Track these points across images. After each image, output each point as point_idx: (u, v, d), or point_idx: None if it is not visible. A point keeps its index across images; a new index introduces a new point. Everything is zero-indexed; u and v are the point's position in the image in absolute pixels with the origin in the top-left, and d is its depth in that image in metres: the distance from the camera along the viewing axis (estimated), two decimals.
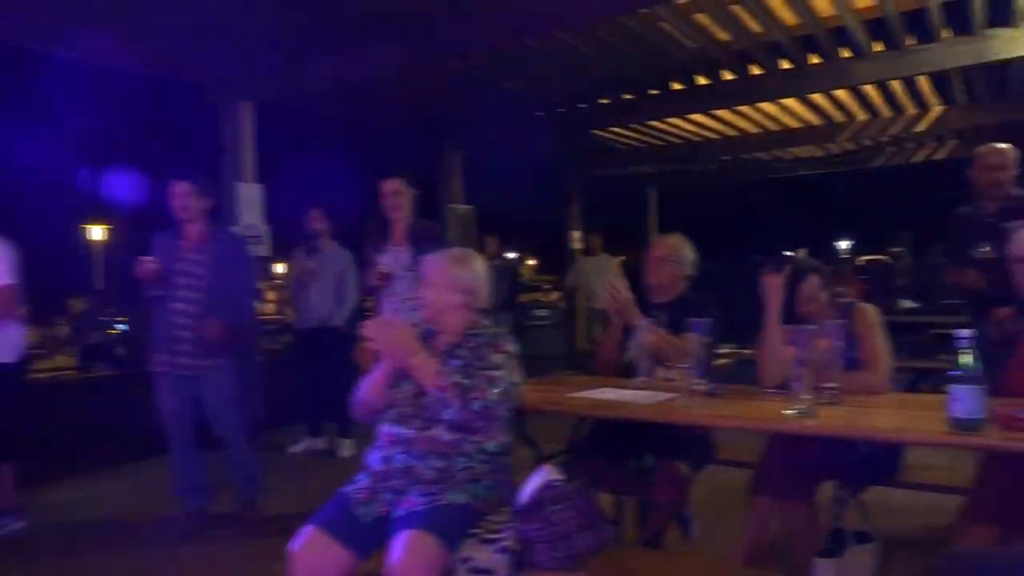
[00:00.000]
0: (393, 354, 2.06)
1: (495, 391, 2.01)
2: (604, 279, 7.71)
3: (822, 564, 2.26)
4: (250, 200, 5.48)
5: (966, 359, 1.70)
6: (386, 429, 2.13)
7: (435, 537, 1.86)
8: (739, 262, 10.11)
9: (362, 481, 2.12)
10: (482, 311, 2.25)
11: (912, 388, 4.91)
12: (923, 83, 6.46)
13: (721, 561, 2.06)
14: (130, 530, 3.77)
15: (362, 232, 3.95)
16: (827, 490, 2.54)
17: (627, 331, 2.79)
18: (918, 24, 5.00)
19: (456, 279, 2.18)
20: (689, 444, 2.72)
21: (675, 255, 2.91)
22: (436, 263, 2.22)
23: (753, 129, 8.17)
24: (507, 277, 6.92)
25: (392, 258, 3.74)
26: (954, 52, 5.15)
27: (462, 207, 7.84)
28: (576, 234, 9.61)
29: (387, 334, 2.04)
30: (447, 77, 5.78)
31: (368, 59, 4.96)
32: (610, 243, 8.97)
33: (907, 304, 6.80)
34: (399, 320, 2.07)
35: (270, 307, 8.04)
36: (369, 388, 2.18)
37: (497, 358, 2.10)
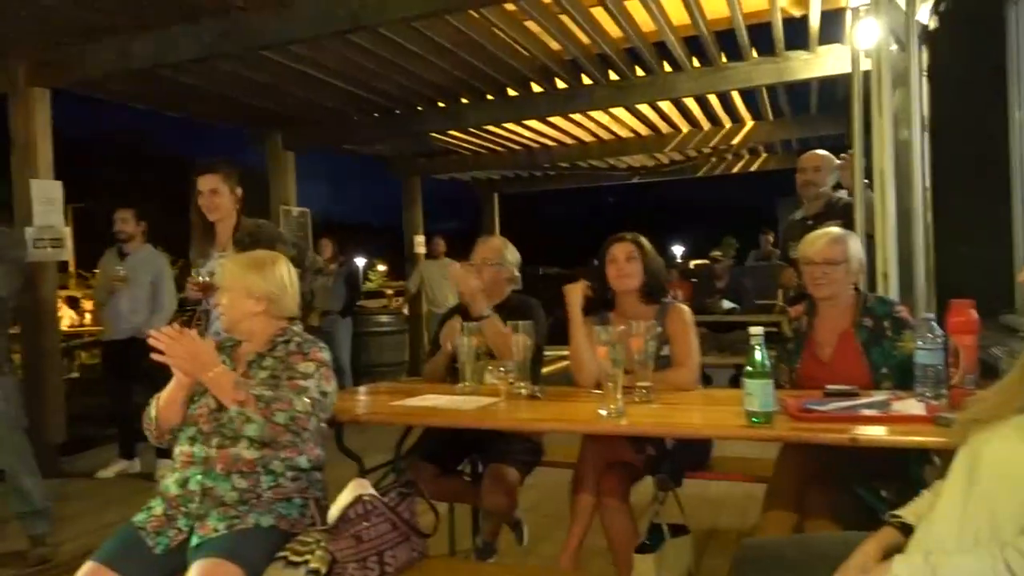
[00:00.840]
0: (186, 368, 1.87)
1: (303, 401, 1.88)
2: (446, 283, 7.67)
3: (640, 559, 2.31)
4: (47, 199, 4.91)
5: (756, 355, 1.79)
6: (183, 449, 1.95)
7: (235, 564, 1.71)
8: (574, 265, 10.47)
9: (155, 508, 1.92)
10: (291, 319, 2.11)
11: (733, 382, 5.29)
12: (736, 99, 7.00)
13: (540, 568, 2.04)
14: None
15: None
16: (646, 486, 2.62)
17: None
18: (730, 43, 5.39)
19: (252, 285, 2.03)
20: (517, 448, 2.72)
21: (498, 257, 2.88)
22: (231, 269, 2.07)
23: (588, 138, 8.50)
24: (347, 282, 6.68)
25: (217, 265, 3.42)
26: (759, 71, 5.61)
27: (296, 209, 7.51)
28: (419, 238, 9.52)
29: (179, 346, 1.85)
30: (269, 71, 5.49)
31: (174, 43, 4.57)
32: (453, 248, 8.97)
33: (727, 305, 7.31)
34: (190, 331, 1.87)
35: (79, 318, 7.29)
36: (164, 406, 1.98)
37: (306, 367, 1.98)
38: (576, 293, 2.60)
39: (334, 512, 1.76)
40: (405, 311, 9.01)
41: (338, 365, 6.52)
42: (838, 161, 3.81)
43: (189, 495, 1.88)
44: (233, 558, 1.71)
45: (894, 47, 3.53)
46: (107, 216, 4.79)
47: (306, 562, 1.76)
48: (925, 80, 3.64)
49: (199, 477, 1.88)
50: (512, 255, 2.93)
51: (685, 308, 2.64)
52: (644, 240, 2.69)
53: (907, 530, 1.45)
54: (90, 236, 7.70)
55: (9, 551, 3.30)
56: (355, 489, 1.78)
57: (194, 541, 1.81)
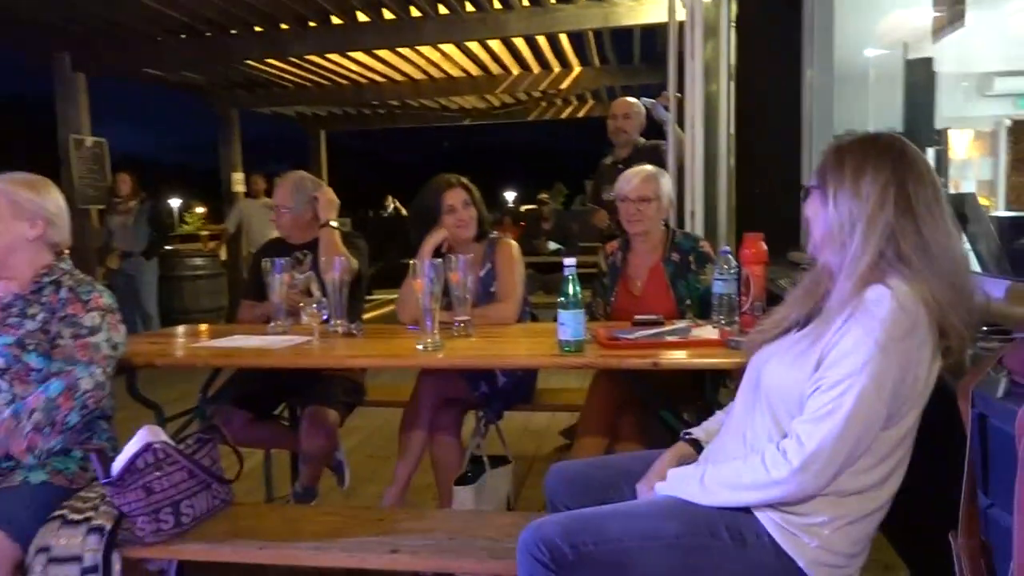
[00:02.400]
0: None
1: (94, 374, 1.69)
2: (269, 224, 7.23)
3: (460, 491, 2.33)
4: None
5: (569, 287, 1.82)
6: None
7: None
8: (407, 209, 10.27)
9: None
10: (59, 254, 1.86)
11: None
12: (565, 43, 7.08)
13: (353, 507, 1.99)
14: None
15: None
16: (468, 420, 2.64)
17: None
18: None
19: (27, 204, 1.76)
20: (337, 388, 2.63)
21: (290, 201, 2.69)
22: None
23: (418, 75, 8.27)
24: (151, 221, 6.07)
25: None
26: (587, 14, 5.69)
27: (91, 139, 6.70)
28: (237, 175, 8.88)
29: None
30: None
31: None
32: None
33: (553, 246, 7.54)
34: None
35: None
36: None
37: (91, 319, 1.74)
38: (433, 242, 2.50)
39: (120, 463, 1.59)
40: (223, 254, 8.43)
41: (143, 311, 6.01)
42: (652, 101, 3.96)
43: None
44: None
45: None
46: None
47: (88, 519, 1.59)
48: (733, 31, 3.84)
49: None
50: (311, 188, 2.74)
51: (513, 243, 2.65)
52: (468, 182, 2.64)
53: (698, 446, 1.56)
54: None
55: None
56: (144, 437, 1.62)
57: None
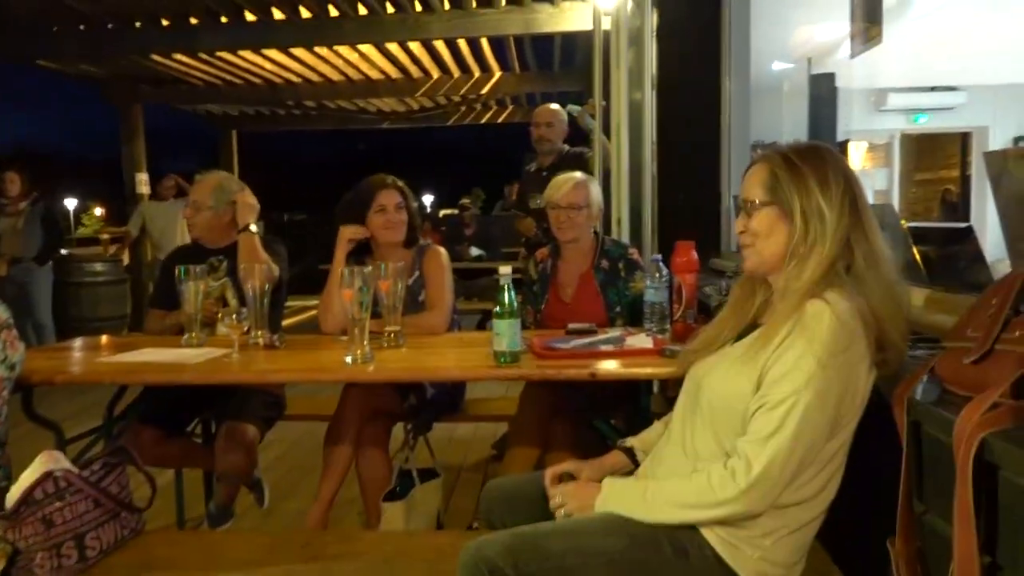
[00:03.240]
0: None
1: None
2: (175, 227, 6.88)
3: (389, 507, 2.25)
4: None
5: (505, 295, 1.78)
6: None
7: None
8: (324, 212, 10.03)
9: None
10: None
11: (480, 327, 5.44)
12: (486, 48, 7.07)
13: (271, 532, 1.88)
14: None
15: None
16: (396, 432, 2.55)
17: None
18: None
19: None
20: (255, 403, 2.49)
21: (210, 199, 2.54)
22: None
23: (336, 76, 8.08)
24: (44, 223, 5.64)
25: None
26: (508, 20, 5.69)
27: None
28: (141, 176, 8.40)
29: None
30: None
31: None
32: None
33: (475, 252, 7.49)
34: None
35: None
36: None
37: None
38: (349, 233, 2.44)
39: (15, 494, 1.44)
40: (126, 259, 7.96)
41: (36, 321, 5.59)
42: (579, 109, 3.97)
43: None
44: None
45: (630, 8, 3.74)
46: None
47: None
48: (655, 40, 3.90)
49: None
50: (232, 188, 2.60)
51: (442, 251, 2.59)
52: (404, 185, 2.57)
53: (632, 454, 1.55)
54: None
55: None
56: (44, 464, 1.47)
57: None
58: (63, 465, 1.49)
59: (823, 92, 3.98)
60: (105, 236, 8.89)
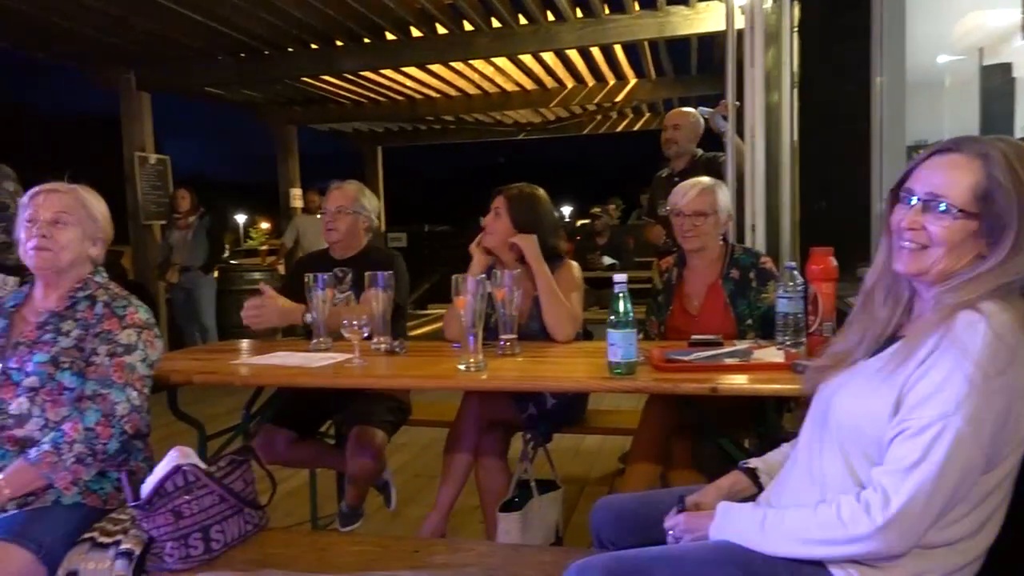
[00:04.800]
0: None
1: (128, 398, 1.65)
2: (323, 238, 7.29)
3: (505, 518, 2.22)
4: None
5: (619, 305, 1.70)
6: None
7: (22, 548, 1.47)
8: (464, 223, 10.28)
9: None
10: (95, 268, 1.84)
11: None
12: (620, 55, 6.97)
13: (391, 538, 1.90)
14: None
15: None
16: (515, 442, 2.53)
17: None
18: None
19: (100, 220, 1.75)
20: (381, 407, 2.56)
21: (354, 205, 2.65)
22: (79, 199, 1.76)
23: (472, 90, 8.27)
24: (209, 236, 6.17)
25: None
26: (641, 24, 5.57)
27: (154, 156, 6.88)
28: (295, 191, 9.03)
29: None
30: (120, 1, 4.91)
31: None
32: None
33: (607, 261, 7.40)
34: None
35: None
36: None
37: (127, 336, 1.71)
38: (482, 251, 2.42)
39: (149, 485, 1.54)
40: (280, 269, 8.55)
41: (201, 324, 6.10)
42: (710, 111, 3.79)
43: None
44: (20, 540, 1.48)
45: (768, 4, 3.54)
46: None
47: (117, 543, 1.54)
48: (796, 37, 3.67)
49: None
50: (370, 202, 2.71)
51: (573, 264, 2.50)
52: (521, 192, 2.48)
53: (754, 475, 1.42)
54: None
55: None
56: (174, 459, 1.57)
57: None
58: (192, 461, 1.58)
59: (997, 84, 3.57)
60: (263, 248, 9.60)
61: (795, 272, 1.94)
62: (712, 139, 3.99)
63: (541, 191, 2.52)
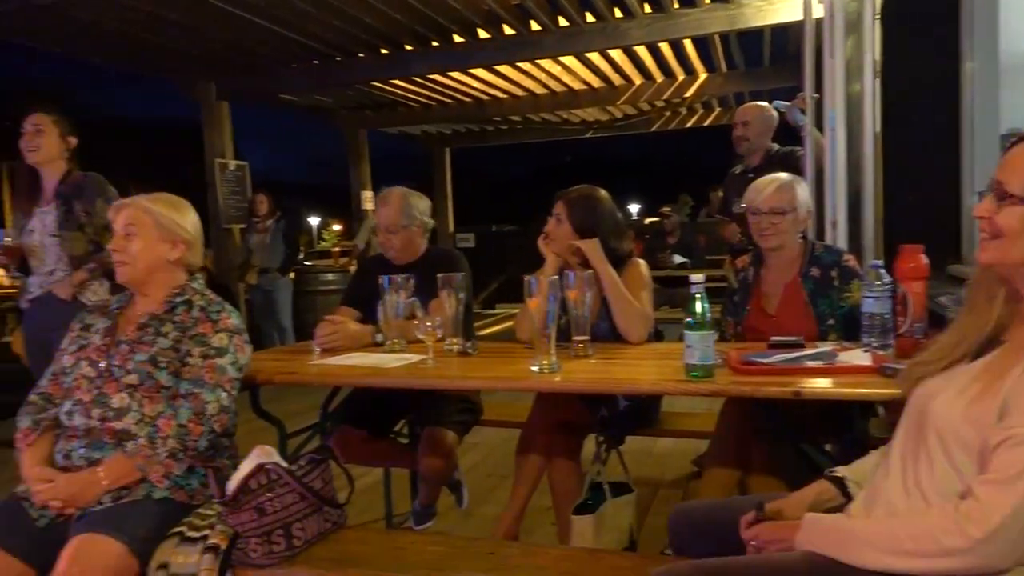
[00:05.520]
0: (72, 506, 1.66)
1: (218, 398, 1.73)
2: None
3: (579, 520, 2.21)
4: None
5: (697, 305, 1.66)
6: (63, 422, 1.75)
7: (115, 540, 1.54)
8: (531, 223, 10.27)
9: None
10: (192, 274, 1.91)
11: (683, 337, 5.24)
12: (689, 49, 6.84)
13: (467, 539, 1.91)
14: None
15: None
16: (588, 443, 2.51)
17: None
18: None
19: (172, 227, 1.82)
20: (453, 408, 2.58)
21: (401, 219, 2.60)
22: (147, 208, 1.84)
23: (539, 89, 8.27)
24: (286, 238, 6.37)
25: (39, 221, 2.99)
26: (712, 18, 5.44)
27: (233, 162, 7.14)
28: (366, 193, 9.22)
29: (69, 491, 1.65)
30: (189, 10, 5.11)
31: None
32: None
33: (678, 259, 7.28)
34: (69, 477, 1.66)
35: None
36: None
37: (219, 340, 1.79)
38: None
39: (234, 482, 1.59)
40: (353, 269, 8.76)
41: (279, 324, 6.29)
42: (786, 104, 3.66)
43: (74, 468, 1.69)
44: (114, 533, 1.55)
45: None
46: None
47: (204, 537, 1.60)
48: (878, 24, 3.51)
49: (82, 450, 1.69)
50: (417, 204, 2.67)
51: (641, 262, 2.46)
52: (581, 196, 2.44)
53: (842, 484, 1.36)
54: None
55: None
56: (257, 457, 1.61)
57: (77, 514, 1.64)
58: (273, 459, 1.63)
59: None
60: (336, 249, 9.84)
61: (882, 271, 1.86)
62: (787, 133, 3.86)
63: (602, 192, 2.48)
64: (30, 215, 2.99)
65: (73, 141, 3.03)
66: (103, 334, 1.81)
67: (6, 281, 8.15)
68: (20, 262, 2.97)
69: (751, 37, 6.47)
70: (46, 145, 2.95)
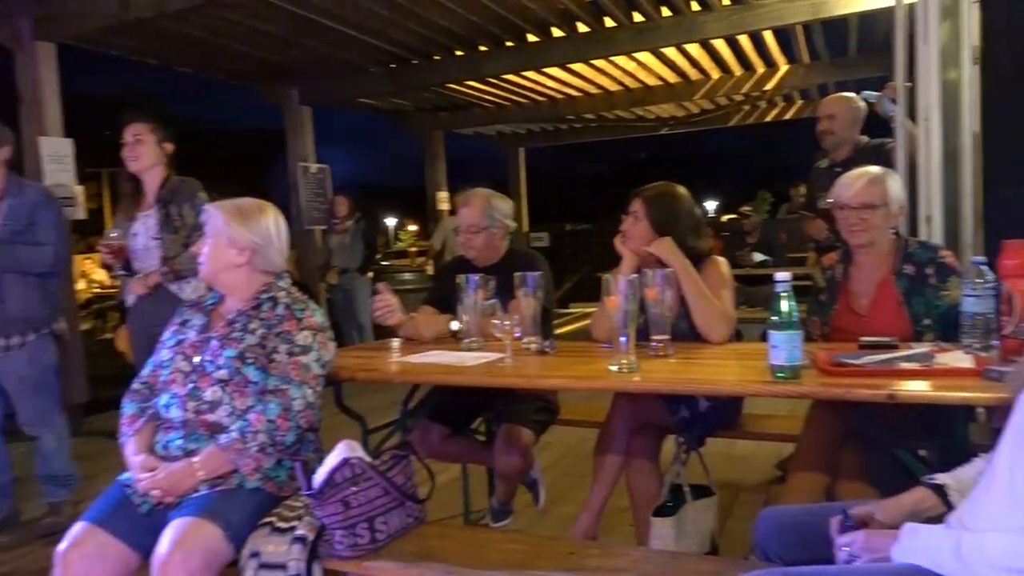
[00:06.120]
0: (172, 495, 1.75)
1: (304, 395, 1.78)
2: None
3: (659, 523, 2.18)
4: (57, 156, 4.83)
5: (783, 304, 1.61)
6: (162, 414, 1.85)
7: (213, 524, 1.61)
8: (605, 222, 10.20)
9: None
10: (278, 274, 1.97)
11: (764, 336, 5.10)
12: (769, 40, 6.63)
13: (546, 538, 1.91)
14: None
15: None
16: (667, 444, 2.47)
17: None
18: None
19: (235, 234, 1.89)
20: (530, 407, 2.58)
21: (484, 220, 2.61)
22: (215, 215, 1.92)
23: (613, 87, 8.19)
24: (365, 238, 6.54)
25: (142, 225, 3.14)
26: (794, 7, 5.26)
27: (315, 166, 7.37)
28: (442, 194, 9.35)
29: (168, 481, 1.74)
30: (277, 20, 5.29)
31: None
32: None
33: (758, 257, 7.08)
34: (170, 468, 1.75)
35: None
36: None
37: (304, 337, 1.84)
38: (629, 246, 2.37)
39: (321, 476, 1.64)
40: (429, 270, 8.89)
41: (358, 323, 6.45)
42: (876, 95, 3.50)
43: (171, 458, 1.78)
44: (212, 518, 1.62)
45: None
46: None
47: (293, 528, 1.65)
48: (976, 8, 3.32)
49: (179, 441, 1.78)
50: (501, 208, 2.67)
51: (721, 260, 2.40)
52: (658, 193, 2.40)
53: (943, 492, 1.29)
54: None
55: (27, 518, 3.24)
56: (343, 452, 1.66)
57: (177, 501, 1.73)
58: (358, 454, 1.67)
59: None
60: (413, 249, 10.02)
61: (984, 268, 1.75)
62: (879, 124, 3.69)
63: (680, 189, 2.43)
64: (134, 219, 3.16)
65: (170, 147, 3.19)
66: (198, 330, 1.90)
67: (108, 280, 8.65)
68: (125, 262, 3.14)
69: (836, 25, 6.21)
70: (145, 153, 3.10)
